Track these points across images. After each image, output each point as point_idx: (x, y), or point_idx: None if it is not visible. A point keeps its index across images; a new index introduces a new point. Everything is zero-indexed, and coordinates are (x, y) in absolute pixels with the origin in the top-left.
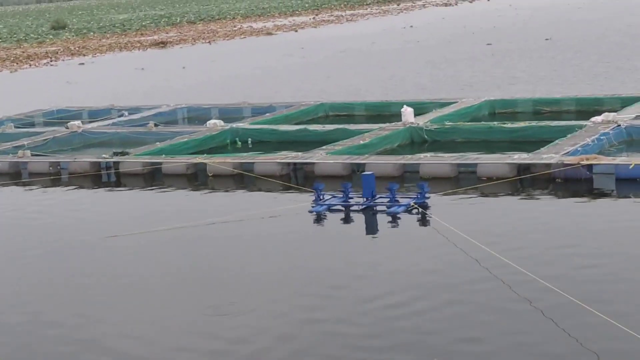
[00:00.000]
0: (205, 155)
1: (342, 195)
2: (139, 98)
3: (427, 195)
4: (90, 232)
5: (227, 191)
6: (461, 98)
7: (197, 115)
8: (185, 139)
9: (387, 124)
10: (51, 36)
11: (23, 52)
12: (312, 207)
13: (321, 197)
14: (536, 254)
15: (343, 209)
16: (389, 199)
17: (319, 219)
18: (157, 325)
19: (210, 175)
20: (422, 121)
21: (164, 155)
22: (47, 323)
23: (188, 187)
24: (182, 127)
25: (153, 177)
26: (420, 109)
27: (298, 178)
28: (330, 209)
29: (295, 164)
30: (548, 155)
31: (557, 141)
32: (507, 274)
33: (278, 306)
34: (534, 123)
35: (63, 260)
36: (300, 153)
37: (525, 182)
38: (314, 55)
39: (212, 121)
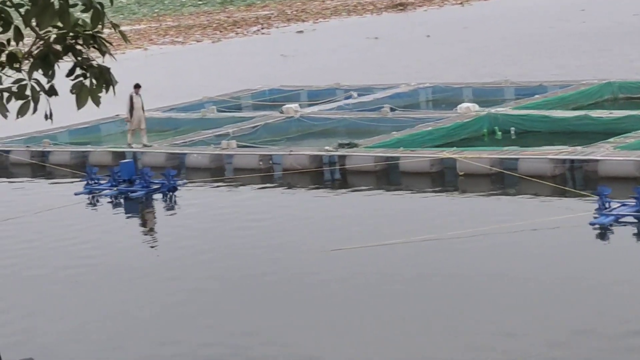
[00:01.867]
0: (454, 148)
1: (634, 203)
2: (371, 75)
3: None
4: (310, 243)
5: (482, 195)
6: None
7: (445, 98)
8: (429, 128)
9: None
10: None
11: (228, 17)
12: (595, 217)
13: (607, 205)
14: None
15: (636, 221)
16: None
17: (604, 233)
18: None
19: (460, 174)
20: None
21: (402, 148)
22: None
23: (432, 188)
24: (426, 112)
25: (388, 176)
26: None
27: (576, 180)
28: (618, 220)
29: (572, 161)
30: None
31: None
32: None
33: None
34: None
35: (268, 282)
36: (579, 147)
37: None
38: (598, 20)
39: (464, 105)
